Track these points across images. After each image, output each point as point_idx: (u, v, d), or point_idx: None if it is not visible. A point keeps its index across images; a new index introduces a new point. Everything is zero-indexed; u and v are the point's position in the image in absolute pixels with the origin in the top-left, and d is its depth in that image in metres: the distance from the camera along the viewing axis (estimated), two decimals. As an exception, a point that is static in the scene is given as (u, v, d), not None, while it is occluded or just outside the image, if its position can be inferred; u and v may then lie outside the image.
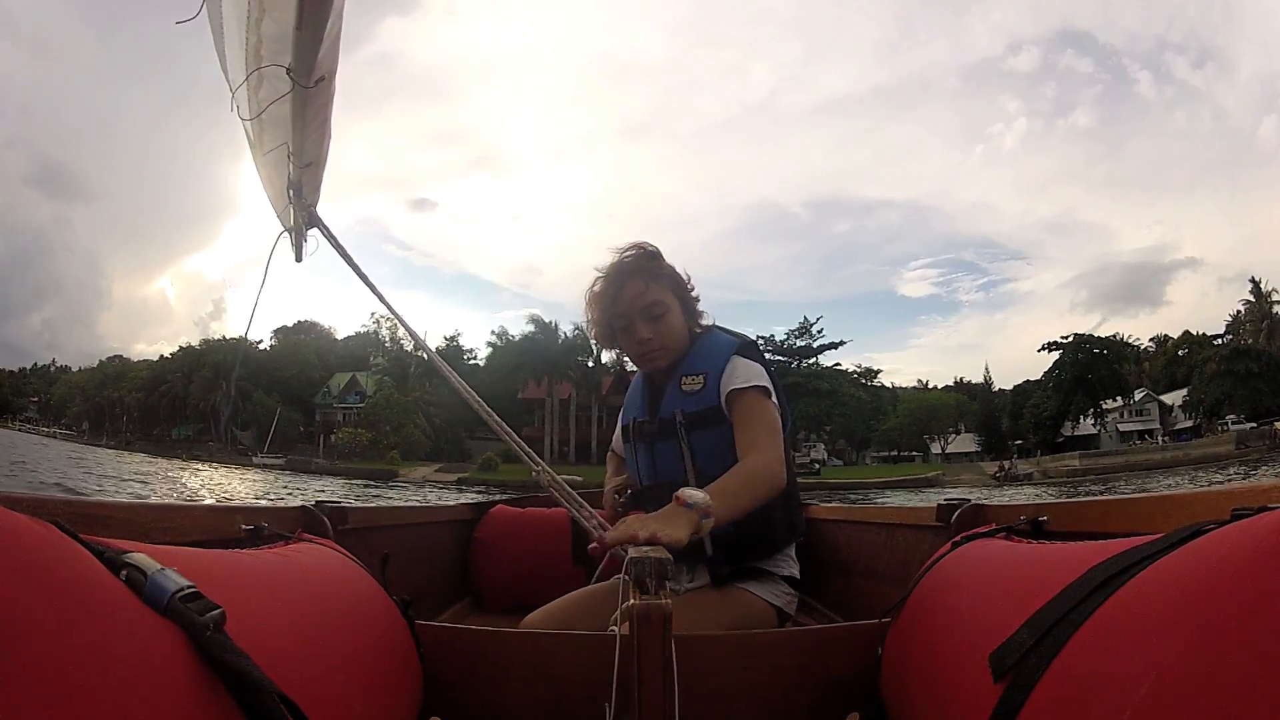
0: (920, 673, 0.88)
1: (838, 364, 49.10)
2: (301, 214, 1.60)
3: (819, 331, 47.58)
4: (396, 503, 5.02)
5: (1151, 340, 60.64)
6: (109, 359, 68.36)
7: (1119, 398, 50.48)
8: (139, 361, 64.30)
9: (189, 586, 0.51)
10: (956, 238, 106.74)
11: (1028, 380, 53.37)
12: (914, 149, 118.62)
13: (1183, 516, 0.84)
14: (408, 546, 2.00)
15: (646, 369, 1.57)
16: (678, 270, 1.56)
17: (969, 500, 1.57)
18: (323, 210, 1.66)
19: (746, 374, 1.43)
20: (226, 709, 0.50)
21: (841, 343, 48.26)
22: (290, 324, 61.94)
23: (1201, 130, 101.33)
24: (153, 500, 1.09)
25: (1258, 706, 0.38)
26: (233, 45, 1.24)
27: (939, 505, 1.67)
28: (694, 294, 1.57)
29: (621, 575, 0.85)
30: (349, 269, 1.63)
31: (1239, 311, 52.04)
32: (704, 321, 1.59)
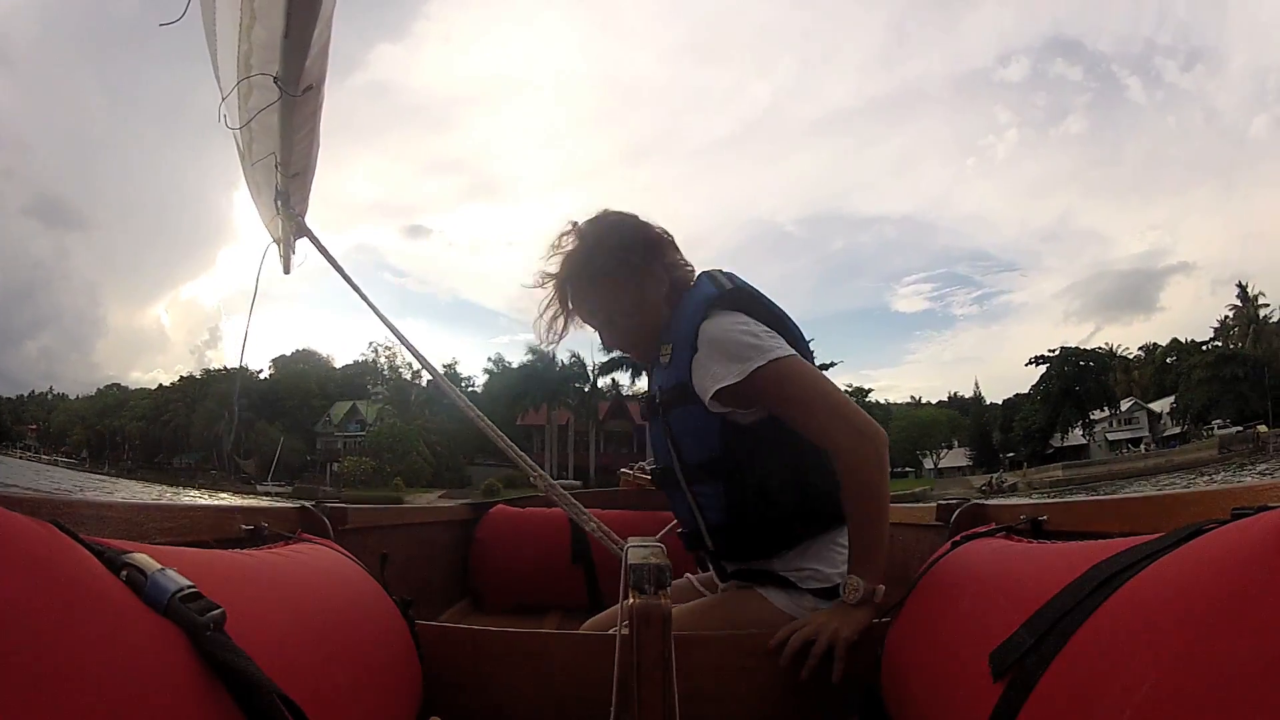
0: (920, 672, 0.88)
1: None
2: (290, 224, 1.59)
3: (811, 354, 48.21)
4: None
5: (1140, 349, 61.60)
6: (107, 387, 68.83)
7: (1106, 408, 51.20)
8: (138, 390, 64.73)
9: (189, 586, 0.51)
10: (950, 251, 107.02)
11: (1018, 394, 54.22)
12: (908, 163, 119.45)
13: (1183, 516, 0.84)
14: (407, 546, 2.00)
15: (638, 359, 1.41)
16: (622, 237, 1.27)
17: (969, 500, 1.57)
18: (316, 230, 1.66)
19: (736, 349, 1.15)
20: (226, 709, 0.50)
21: (834, 363, 48.96)
22: (289, 353, 62.53)
23: (1193, 131, 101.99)
24: (153, 500, 1.09)
25: (1258, 706, 0.38)
26: (225, 53, 1.24)
27: (939, 505, 1.67)
28: (647, 251, 1.28)
29: (622, 577, 0.85)
30: (340, 292, 1.64)
31: (1226, 317, 52.70)
32: (681, 258, 1.34)
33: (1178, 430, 49.30)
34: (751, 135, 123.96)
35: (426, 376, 53.79)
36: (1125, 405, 53.19)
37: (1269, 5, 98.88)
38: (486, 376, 51.86)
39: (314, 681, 0.67)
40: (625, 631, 0.77)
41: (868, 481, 1.11)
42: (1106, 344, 57.69)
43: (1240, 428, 40.17)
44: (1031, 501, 1.30)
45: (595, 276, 1.27)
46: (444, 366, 54.20)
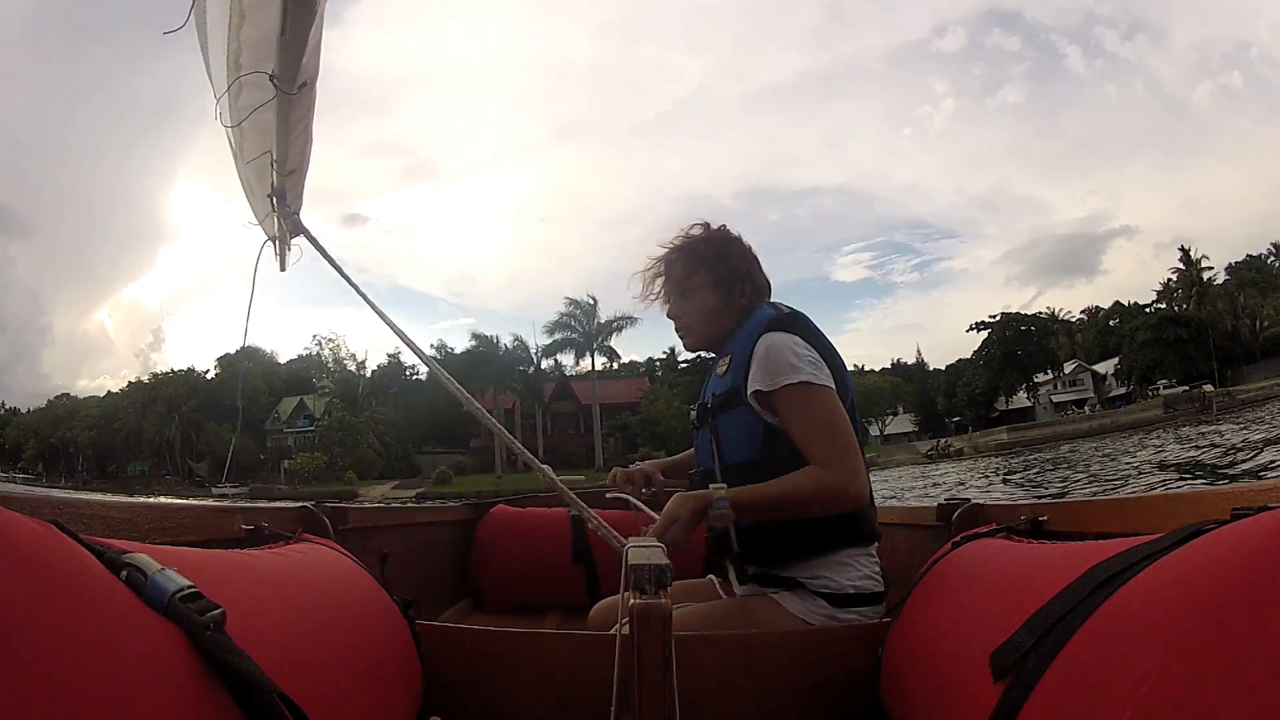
0: (920, 673, 0.88)
1: None
2: (286, 222, 1.59)
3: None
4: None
5: (1083, 312, 62.34)
6: (57, 398, 67.30)
7: (1050, 370, 52.01)
8: (88, 399, 63.47)
9: (189, 586, 0.51)
10: (889, 220, 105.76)
11: (961, 359, 54.93)
12: (844, 135, 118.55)
13: (1183, 516, 0.84)
14: (408, 546, 2.00)
15: (687, 347, 1.56)
16: (733, 248, 1.49)
17: (969, 500, 1.57)
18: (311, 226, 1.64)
19: (779, 364, 1.26)
20: (226, 709, 0.50)
21: None
22: (233, 351, 61.64)
23: (1134, 101, 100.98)
24: (153, 500, 1.09)
25: (1259, 706, 0.38)
26: (216, 53, 1.24)
27: (939, 505, 1.67)
28: (731, 271, 1.46)
29: (622, 577, 0.85)
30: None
31: (1170, 279, 53.41)
32: (768, 296, 1.50)
33: (1123, 391, 50.24)
34: (686, 111, 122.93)
35: (371, 368, 51.11)
36: (1069, 368, 54.17)
37: None
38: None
39: (314, 681, 0.67)
40: (625, 631, 0.77)
41: (800, 487, 1.20)
42: (1049, 308, 58.62)
43: (1186, 387, 40.69)
44: (1031, 502, 1.30)
45: (700, 256, 1.48)
46: (388, 356, 54.61)
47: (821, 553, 1.29)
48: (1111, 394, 51.42)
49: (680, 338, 1.55)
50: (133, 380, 56.60)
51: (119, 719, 0.41)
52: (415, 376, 53.72)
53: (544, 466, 1.42)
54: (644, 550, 0.84)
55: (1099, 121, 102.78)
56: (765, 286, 1.50)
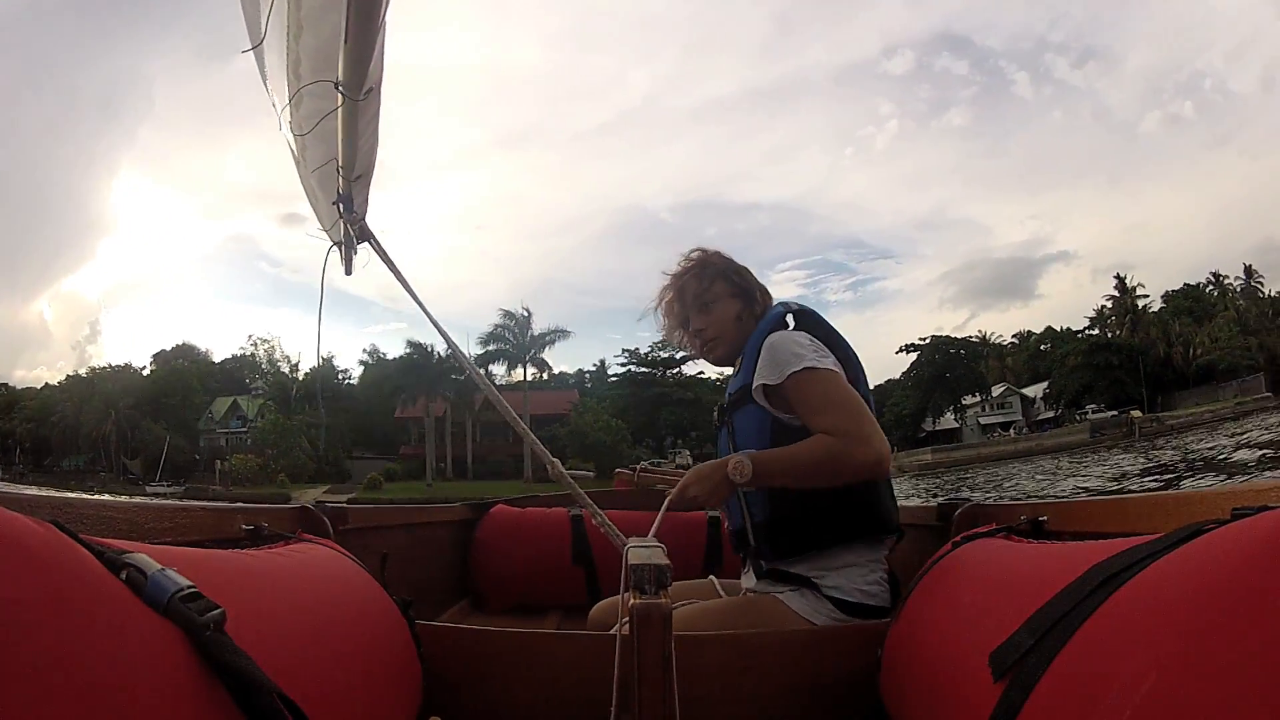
0: (920, 673, 0.88)
1: (700, 373, 50.75)
2: (353, 227, 1.60)
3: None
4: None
5: (1014, 336, 63.68)
6: None
7: (978, 393, 53.20)
8: (25, 389, 61.65)
9: (189, 586, 0.51)
10: (826, 238, 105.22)
11: (890, 379, 55.70)
12: (786, 152, 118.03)
13: (1183, 516, 0.84)
14: (408, 546, 2.00)
15: (712, 361, 1.58)
16: (734, 262, 1.58)
17: (969, 500, 1.57)
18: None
19: (784, 356, 1.31)
20: (226, 709, 0.50)
21: None
22: (169, 348, 60.60)
23: (1080, 127, 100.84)
24: (153, 500, 1.09)
25: (1258, 706, 0.38)
26: (274, 63, 1.24)
27: (939, 505, 1.68)
28: (746, 281, 1.55)
29: (622, 578, 0.85)
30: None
31: (1104, 306, 54.89)
32: (766, 299, 1.57)
33: (1051, 415, 51.23)
34: (630, 123, 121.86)
35: (304, 370, 51.32)
36: (998, 390, 55.30)
37: (1175, 8, 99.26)
38: (363, 369, 52.36)
39: (314, 681, 0.67)
40: (625, 631, 0.77)
41: (823, 455, 1.21)
42: (980, 331, 60.10)
43: (1114, 412, 41.52)
44: (1032, 502, 1.30)
45: (712, 271, 1.55)
46: (324, 360, 54.41)
47: (831, 546, 1.31)
48: (1040, 417, 52.48)
49: (705, 354, 1.56)
50: (70, 374, 55.86)
51: (119, 719, 0.41)
52: (348, 381, 54.03)
53: (554, 460, 1.47)
54: (644, 550, 0.84)
55: (1044, 146, 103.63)
56: (766, 297, 1.57)
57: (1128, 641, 0.51)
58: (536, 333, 42.68)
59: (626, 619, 0.76)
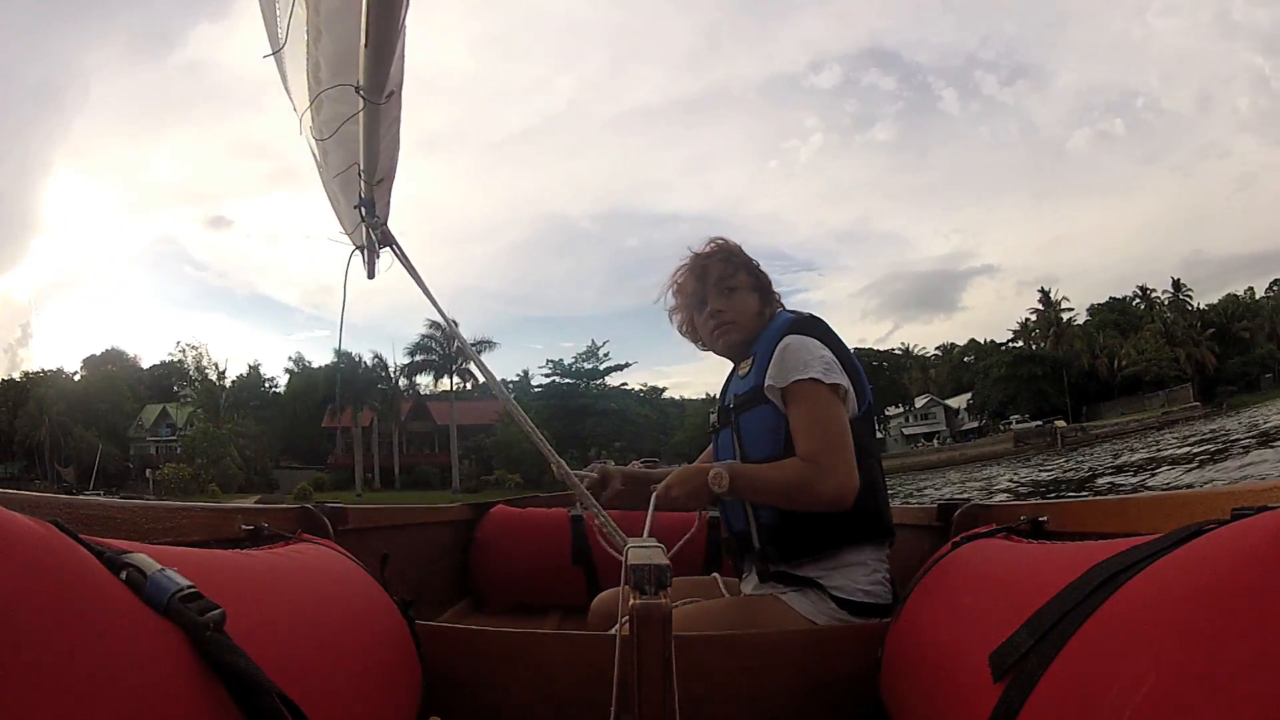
0: (920, 673, 0.88)
1: (624, 384, 50.93)
2: (375, 232, 1.59)
3: (605, 354, 49.36)
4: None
5: (938, 348, 64.67)
6: None
7: (901, 404, 53.64)
8: None
9: (189, 586, 0.51)
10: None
11: None
12: (709, 162, 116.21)
13: (1183, 516, 0.84)
14: (407, 546, 2.00)
15: (720, 347, 1.54)
16: (753, 259, 1.58)
17: (969, 500, 1.57)
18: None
19: (794, 362, 1.31)
20: (226, 709, 0.50)
21: (627, 364, 50.17)
22: (98, 353, 58.91)
23: (1006, 143, 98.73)
24: (153, 501, 1.09)
25: (1258, 706, 0.38)
26: (295, 68, 1.24)
27: (939, 506, 1.68)
28: (766, 281, 1.55)
29: (622, 577, 0.85)
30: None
31: (1028, 319, 55.78)
32: (780, 303, 1.58)
33: (975, 425, 52.01)
34: (552, 130, 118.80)
35: (231, 378, 52.11)
36: (921, 401, 55.87)
37: (1113, 28, 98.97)
38: (289, 376, 51.86)
39: (314, 681, 0.67)
40: (625, 631, 0.77)
41: (790, 480, 1.24)
42: (904, 344, 60.98)
43: (1039, 422, 42.01)
44: (1032, 502, 1.31)
45: (736, 260, 1.53)
46: (249, 367, 54.49)
47: (836, 548, 1.30)
48: (964, 428, 53.06)
49: (716, 338, 1.52)
50: (4, 378, 54.25)
51: (119, 719, 0.41)
52: (274, 390, 53.61)
53: (559, 460, 1.46)
54: (644, 550, 0.84)
55: (969, 161, 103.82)
56: (777, 299, 1.58)
57: (1127, 642, 0.50)
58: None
59: (626, 619, 0.76)
